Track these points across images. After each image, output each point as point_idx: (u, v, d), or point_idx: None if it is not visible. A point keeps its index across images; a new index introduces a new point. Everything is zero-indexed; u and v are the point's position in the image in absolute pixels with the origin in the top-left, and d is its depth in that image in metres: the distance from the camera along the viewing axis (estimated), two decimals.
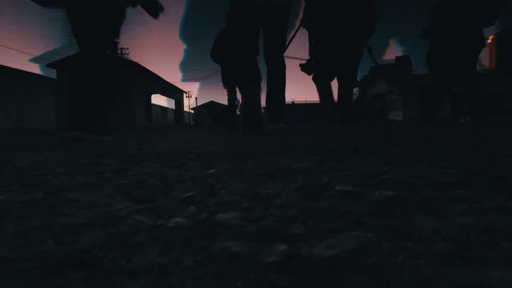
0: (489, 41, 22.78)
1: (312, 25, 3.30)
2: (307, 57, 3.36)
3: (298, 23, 3.41)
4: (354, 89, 3.90)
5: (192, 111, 37.57)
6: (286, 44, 3.23)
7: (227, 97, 4.78)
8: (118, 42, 4.45)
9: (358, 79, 3.49)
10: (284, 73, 3.21)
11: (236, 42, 3.03)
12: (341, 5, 3.02)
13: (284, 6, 2.91)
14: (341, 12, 3.03)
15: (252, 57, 2.99)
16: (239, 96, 3.95)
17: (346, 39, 3.14)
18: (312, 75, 3.53)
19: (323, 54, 3.31)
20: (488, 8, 3.25)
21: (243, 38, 2.93)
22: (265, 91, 3.25)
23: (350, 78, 3.35)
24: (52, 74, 14.95)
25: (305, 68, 3.36)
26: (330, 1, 3.07)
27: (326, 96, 3.57)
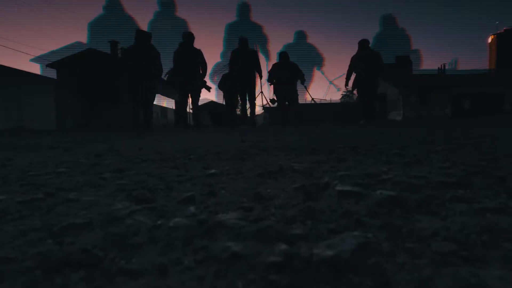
0: (490, 41, 22.76)
1: (273, 82, 7.28)
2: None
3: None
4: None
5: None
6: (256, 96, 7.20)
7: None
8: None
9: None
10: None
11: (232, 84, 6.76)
12: (286, 72, 7.12)
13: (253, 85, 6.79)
14: (287, 75, 7.11)
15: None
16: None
17: (290, 86, 7.22)
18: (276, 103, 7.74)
19: (281, 93, 7.28)
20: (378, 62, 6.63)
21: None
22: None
23: (295, 100, 7.38)
24: (52, 74, 14.86)
25: (273, 102, 7.65)
26: (280, 70, 7.12)
27: (293, 111, 7.51)
